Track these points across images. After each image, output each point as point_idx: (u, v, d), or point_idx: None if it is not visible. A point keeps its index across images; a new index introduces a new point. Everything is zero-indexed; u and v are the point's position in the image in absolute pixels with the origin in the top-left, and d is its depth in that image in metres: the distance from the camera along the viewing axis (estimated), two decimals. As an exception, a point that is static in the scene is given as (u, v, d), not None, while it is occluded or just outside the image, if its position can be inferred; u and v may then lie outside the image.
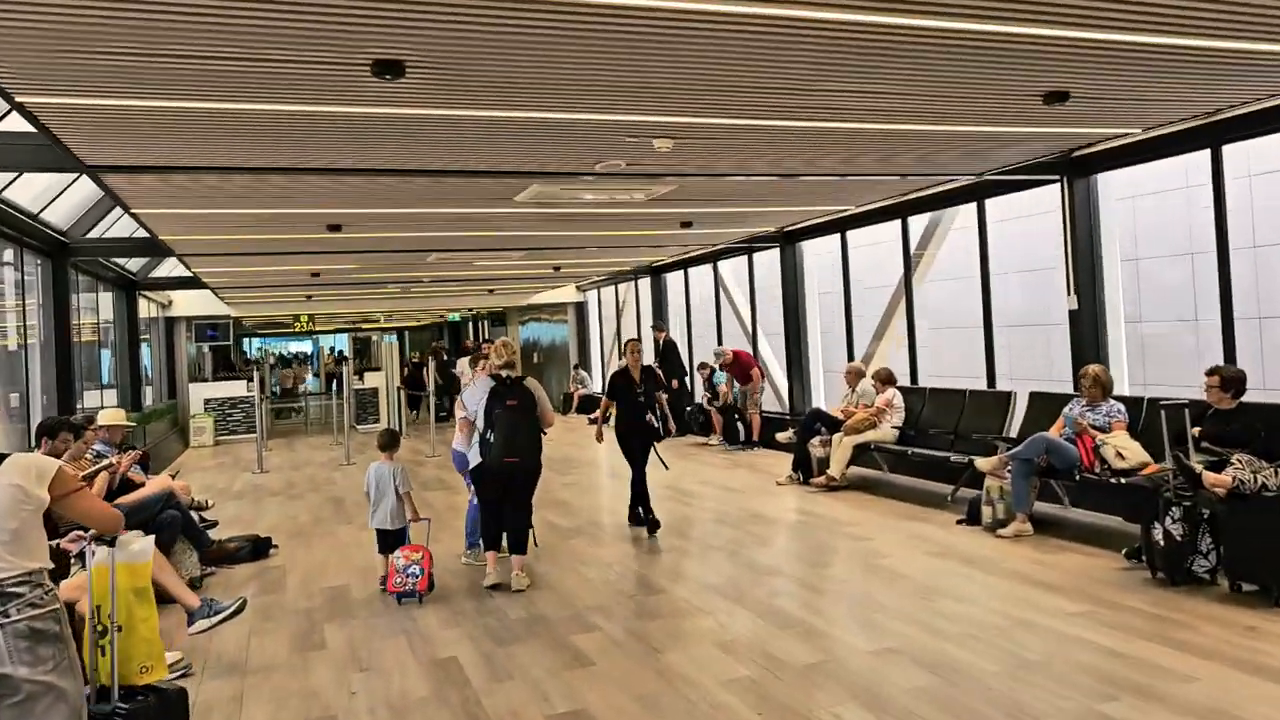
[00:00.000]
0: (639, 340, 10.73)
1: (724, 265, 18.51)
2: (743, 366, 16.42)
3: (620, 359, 10.91)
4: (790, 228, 15.20)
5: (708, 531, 10.13)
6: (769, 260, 16.67)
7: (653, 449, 10.36)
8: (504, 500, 8.15)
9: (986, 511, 9.31)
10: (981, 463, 9.48)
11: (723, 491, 12.37)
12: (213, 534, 10.43)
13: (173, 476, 10.92)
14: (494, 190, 9.16)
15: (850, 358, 14.37)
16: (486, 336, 38.14)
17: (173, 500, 9.02)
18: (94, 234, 13.84)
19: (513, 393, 7.90)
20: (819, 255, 16.20)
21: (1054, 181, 10.34)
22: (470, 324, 40.57)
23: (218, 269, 15.34)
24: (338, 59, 5.08)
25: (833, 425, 12.21)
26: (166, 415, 22.20)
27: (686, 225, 12.71)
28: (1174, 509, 7.02)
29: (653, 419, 10.16)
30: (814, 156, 8.64)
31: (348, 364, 23.26)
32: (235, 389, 24.43)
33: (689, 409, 18.53)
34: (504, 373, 8.05)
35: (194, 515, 9.62)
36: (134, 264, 18.15)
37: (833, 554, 8.98)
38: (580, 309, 27.18)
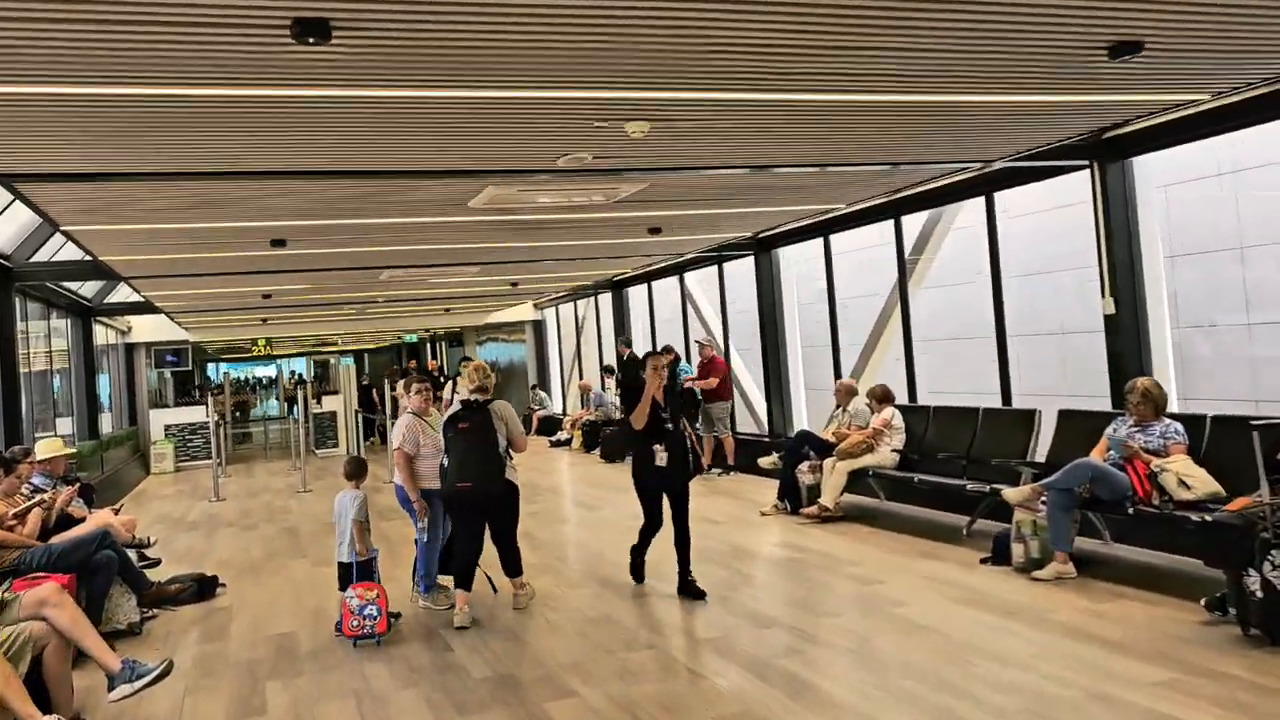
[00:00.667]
0: (665, 351, 9.51)
1: (691, 277, 17.32)
2: (717, 373, 14.39)
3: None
4: (766, 233, 13.79)
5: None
6: (741, 270, 15.57)
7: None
8: (481, 530, 7.59)
9: (1018, 549, 7.71)
10: (1010, 494, 7.94)
11: (702, 523, 10.59)
12: (158, 573, 9.29)
13: (116, 510, 9.66)
14: (445, 196, 8.04)
15: (838, 374, 13.05)
16: (439, 358, 36.90)
17: (108, 540, 7.80)
18: (41, 257, 12.61)
19: (467, 416, 7.43)
20: (798, 263, 14.92)
21: (1082, 167, 8.77)
22: (428, 345, 39.25)
23: (167, 291, 14.05)
24: (251, 20, 3.93)
25: (822, 449, 10.73)
26: (126, 442, 20.82)
27: (655, 231, 11.47)
28: (1274, 552, 5.60)
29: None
30: (795, 141, 7.21)
31: (304, 387, 21.98)
32: (196, 414, 23.04)
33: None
34: (474, 397, 7.54)
35: (134, 554, 8.36)
36: (89, 289, 16.80)
37: (838, 600, 7.55)
38: (538, 327, 25.99)
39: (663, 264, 16.70)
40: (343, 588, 7.27)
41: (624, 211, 9.59)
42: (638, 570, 8.28)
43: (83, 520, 8.53)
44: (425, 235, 9.89)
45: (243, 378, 64.42)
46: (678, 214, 10.32)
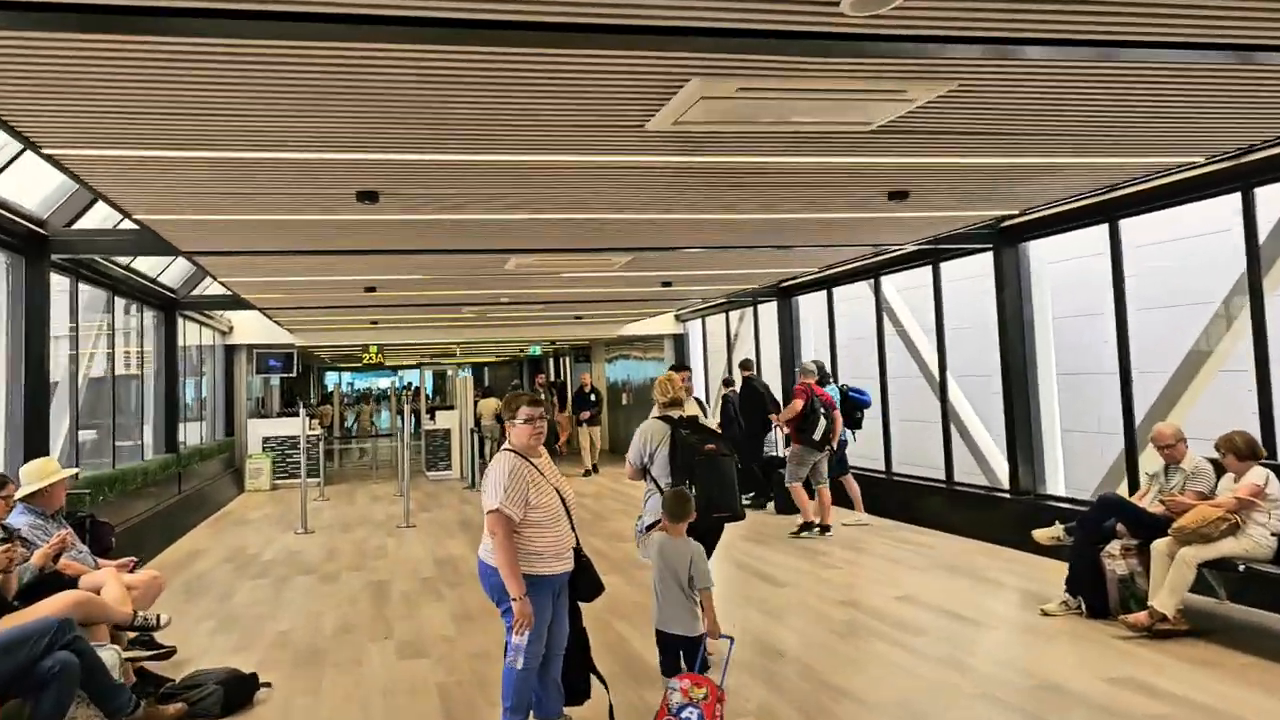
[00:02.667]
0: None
1: (890, 283, 14.09)
2: (790, 408, 11.86)
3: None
4: (1017, 218, 10.50)
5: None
6: (963, 272, 12.38)
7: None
8: None
9: None
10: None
11: (954, 623, 7.64)
12: (168, 666, 6.48)
13: (130, 568, 6.85)
14: (624, 97, 5.13)
15: (1128, 411, 9.60)
16: (563, 375, 34.10)
17: (69, 634, 4.95)
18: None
19: (706, 435, 6.42)
20: (1057, 263, 11.58)
21: None
22: (551, 360, 36.46)
23: (248, 277, 11.39)
24: None
25: (1140, 524, 7.43)
26: (218, 455, 18.37)
27: (899, 196, 8.17)
28: None
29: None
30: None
31: (407, 399, 19.27)
32: (297, 426, 20.51)
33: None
34: (673, 413, 6.53)
35: (116, 652, 5.45)
36: (170, 277, 14.28)
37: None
38: (679, 343, 22.84)
39: (854, 263, 13.42)
40: (665, 670, 5.60)
41: (876, 154, 6.42)
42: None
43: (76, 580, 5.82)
44: (572, 188, 6.88)
45: (363, 388, 63.00)
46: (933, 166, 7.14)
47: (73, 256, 9.95)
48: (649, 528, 6.20)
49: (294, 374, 22.14)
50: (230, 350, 20.51)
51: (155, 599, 6.68)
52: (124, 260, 11.88)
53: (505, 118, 4.98)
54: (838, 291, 15.16)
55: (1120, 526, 7.57)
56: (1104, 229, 9.87)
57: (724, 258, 11.40)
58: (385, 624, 8.16)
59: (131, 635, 6.10)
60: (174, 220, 7.41)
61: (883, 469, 13.86)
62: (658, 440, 6.37)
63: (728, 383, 15.71)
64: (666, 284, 13.39)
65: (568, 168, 6.17)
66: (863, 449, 14.44)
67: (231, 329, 20.12)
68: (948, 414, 12.61)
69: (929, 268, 12.70)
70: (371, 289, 12.34)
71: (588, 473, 19.60)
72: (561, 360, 35.53)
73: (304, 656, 7.21)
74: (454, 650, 7.31)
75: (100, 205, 8.76)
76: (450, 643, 7.52)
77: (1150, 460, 8.41)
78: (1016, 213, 9.54)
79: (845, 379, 14.98)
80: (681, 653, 5.46)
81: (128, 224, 8.16)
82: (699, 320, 21.55)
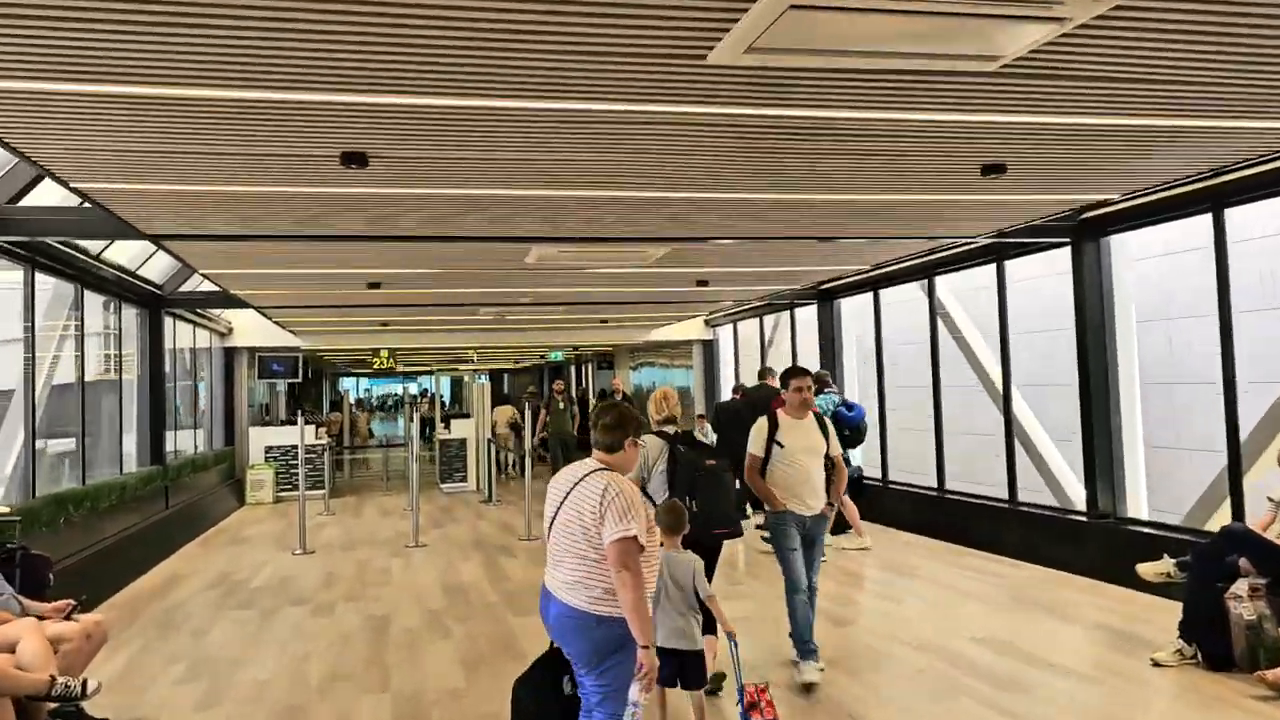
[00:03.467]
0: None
1: (945, 283, 12.86)
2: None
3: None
4: (1100, 208, 9.29)
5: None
6: (1028, 271, 11.15)
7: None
8: None
9: None
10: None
11: (1051, 676, 6.45)
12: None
13: (69, 613, 5.70)
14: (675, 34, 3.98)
15: (1231, 425, 8.33)
16: (584, 383, 32.94)
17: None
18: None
19: (705, 450, 6.38)
20: (1144, 259, 10.39)
21: None
22: (571, 367, 35.30)
23: (232, 269, 10.23)
24: None
25: (1272, 560, 6.25)
26: (215, 466, 17.26)
27: (995, 171, 6.99)
28: None
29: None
30: None
31: (418, 406, 18.12)
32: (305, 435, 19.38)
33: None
34: (670, 429, 6.38)
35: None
36: (154, 271, 13.11)
37: None
38: (708, 349, 21.64)
39: (904, 262, 12.21)
40: (661, 680, 5.16)
41: (984, 110, 5.24)
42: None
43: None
44: (601, 153, 5.71)
45: (373, 394, 62.05)
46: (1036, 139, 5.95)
47: (18, 239, 8.45)
48: None
49: (299, 379, 21.01)
50: (230, 353, 19.40)
51: (96, 652, 5.54)
52: (93, 249, 10.60)
53: (519, 44, 3.80)
54: (885, 294, 13.94)
55: (1244, 563, 6.37)
56: (1205, 219, 8.66)
57: (766, 253, 10.23)
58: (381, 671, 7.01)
59: (51, 707, 4.93)
60: (112, 190, 6.23)
61: (934, 486, 12.62)
62: (655, 456, 6.23)
63: (737, 390, 14.46)
64: (702, 283, 12.18)
65: (598, 121, 4.97)
66: (912, 464, 13.23)
67: (231, 330, 19.02)
68: (1011, 427, 11.36)
69: (991, 266, 11.47)
70: (376, 285, 11.20)
71: None
72: (583, 367, 34.39)
73: (282, 715, 6.06)
74: (463, 709, 6.16)
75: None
76: (458, 699, 6.37)
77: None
78: (1116, 197, 8.28)
79: (892, 390, 13.76)
80: (682, 666, 5.32)
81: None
82: (730, 325, 20.34)
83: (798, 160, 5.96)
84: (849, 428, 11.46)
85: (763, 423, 6.69)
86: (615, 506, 4.04)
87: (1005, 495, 11.42)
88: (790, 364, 15.91)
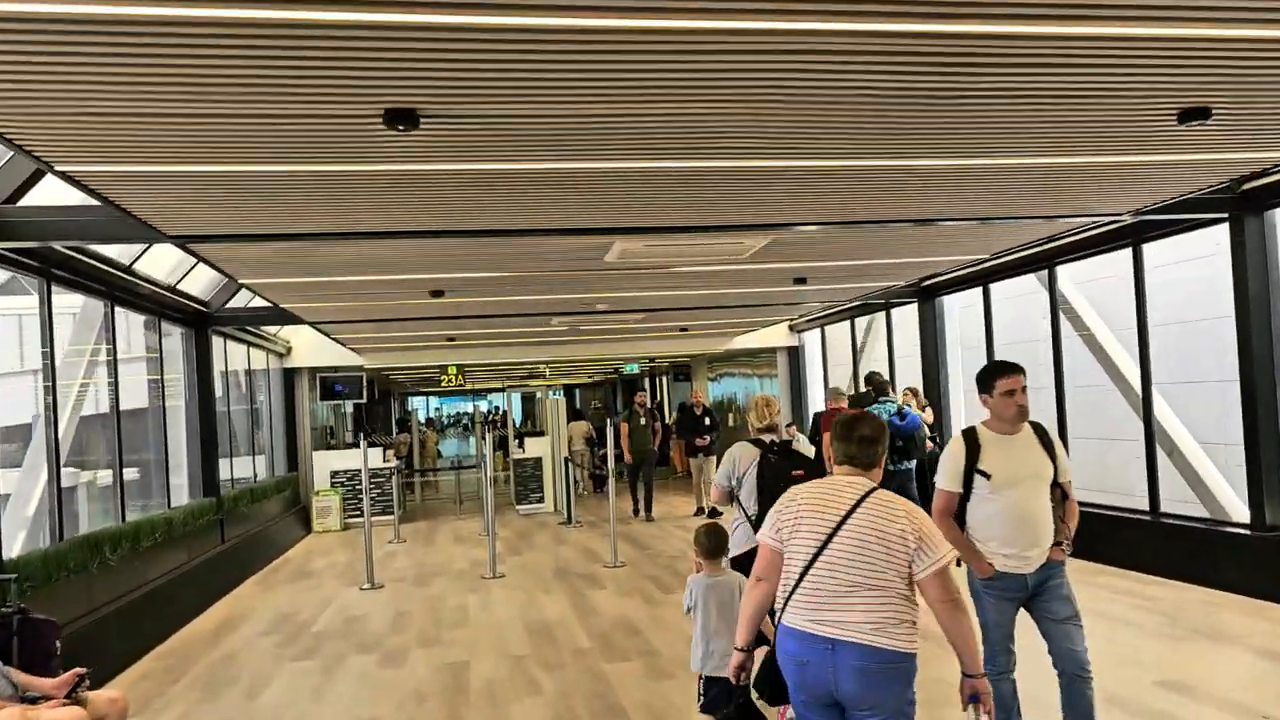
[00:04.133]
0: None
1: (1067, 274, 11.51)
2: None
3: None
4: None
5: None
6: (1162, 258, 9.83)
7: None
8: None
9: None
10: None
11: None
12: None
13: (81, 682, 4.70)
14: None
15: None
16: (659, 396, 31.78)
17: None
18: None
19: (797, 460, 5.94)
20: None
21: None
22: (646, 380, 34.10)
23: (274, 278, 9.20)
24: None
25: None
26: (276, 494, 16.39)
27: (1193, 116, 5.81)
28: None
29: None
30: None
31: (490, 426, 17.16)
32: (370, 458, 18.40)
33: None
34: (767, 438, 6.11)
35: None
36: (197, 286, 12.18)
37: None
38: (793, 356, 20.36)
39: (1022, 252, 10.90)
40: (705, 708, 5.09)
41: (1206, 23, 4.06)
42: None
43: None
44: (710, 106, 4.58)
45: (444, 413, 61.37)
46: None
47: (21, 245, 7.31)
48: (735, 559, 5.79)
49: (364, 399, 20.10)
50: (290, 374, 18.54)
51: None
52: (121, 258, 9.56)
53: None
54: (997, 288, 12.62)
55: None
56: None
57: (871, 244, 9.00)
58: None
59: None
60: (107, 175, 5.17)
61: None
62: (746, 464, 6.06)
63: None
64: (800, 280, 10.95)
65: (710, 49, 3.83)
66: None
67: (290, 350, 18.17)
68: (1152, 430, 10.02)
69: (1124, 251, 10.13)
70: (439, 293, 10.15)
71: (701, 511, 16.47)
72: (657, 380, 33.24)
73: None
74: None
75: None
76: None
77: None
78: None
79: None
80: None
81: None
82: (817, 330, 19.06)
83: (939, 104, 4.75)
84: (901, 437, 10.62)
85: (957, 445, 4.88)
86: (926, 532, 3.57)
87: (1146, 506, 10.13)
88: (888, 367, 14.72)
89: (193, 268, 11.00)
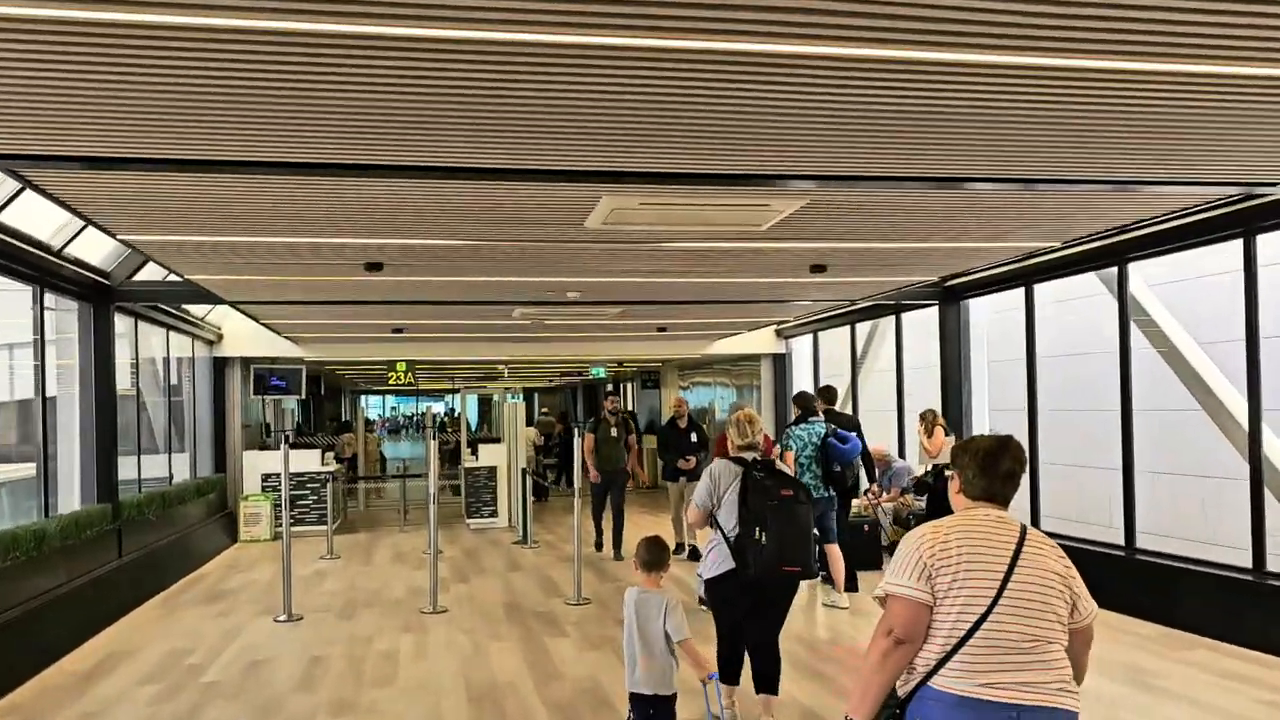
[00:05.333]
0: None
1: (1140, 271, 9.78)
2: None
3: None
4: None
5: None
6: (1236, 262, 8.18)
7: None
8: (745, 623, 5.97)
9: None
10: None
11: None
12: None
13: None
14: None
15: None
16: (628, 403, 30.00)
17: None
18: None
19: (783, 480, 5.83)
20: None
21: None
22: (611, 386, 32.26)
23: (169, 234, 7.32)
24: None
25: None
26: (196, 498, 14.48)
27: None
28: None
29: None
30: None
31: (440, 430, 15.30)
32: (305, 461, 16.54)
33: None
34: (749, 456, 5.96)
35: None
36: (99, 256, 10.25)
37: None
38: (778, 364, 18.63)
39: (1084, 246, 9.14)
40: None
41: None
42: None
43: None
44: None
45: (399, 413, 59.28)
46: None
47: None
48: (710, 581, 5.95)
49: (303, 395, 18.17)
50: (220, 364, 16.62)
51: None
52: None
53: None
54: (1042, 290, 10.86)
55: None
56: None
57: (937, 210, 7.19)
58: None
59: None
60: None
61: (1121, 543, 9.55)
62: (728, 482, 5.89)
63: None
64: (819, 268, 9.16)
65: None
66: (1093, 513, 10.24)
67: (220, 338, 16.25)
68: (1260, 466, 8.23)
69: (1223, 244, 8.40)
70: (376, 265, 8.31)
71: (682, 548, 12.77)
72: (622, 386, 31.48)
73: None
74: None
75: None
76: None
77: None
78: None
79: (1045, 414, 10.73)
80: (652, 712, 5.03)
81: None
82: (809, 336, 17.33)
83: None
84: (840, 462, 9.54)
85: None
86: (1074, 570, 3.23)
87: (1249, 562, 8.19)
88: (895, 381, 13.06)
89: (85, 226, 9.08)
